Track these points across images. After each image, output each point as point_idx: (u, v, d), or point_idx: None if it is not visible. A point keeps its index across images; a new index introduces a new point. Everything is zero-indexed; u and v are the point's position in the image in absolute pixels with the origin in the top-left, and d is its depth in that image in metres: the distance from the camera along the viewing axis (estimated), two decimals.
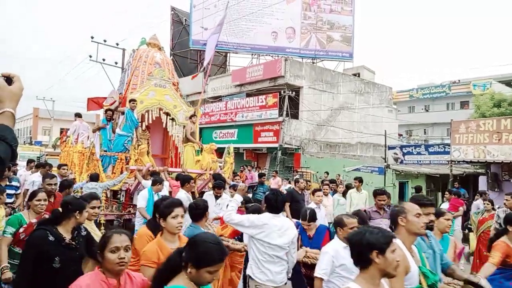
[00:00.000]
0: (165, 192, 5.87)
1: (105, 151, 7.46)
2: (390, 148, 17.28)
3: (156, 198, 5.44)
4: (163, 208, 2.60)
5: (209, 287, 1.84)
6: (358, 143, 19.95)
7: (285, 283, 3.28)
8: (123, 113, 7.65)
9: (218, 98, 21.62)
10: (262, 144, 17.90)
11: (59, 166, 6.58)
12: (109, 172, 7.33)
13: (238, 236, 4.03)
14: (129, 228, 6.90)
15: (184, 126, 8.24)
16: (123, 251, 1.95)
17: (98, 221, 5.84)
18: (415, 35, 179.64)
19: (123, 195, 7.39)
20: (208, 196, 5.76)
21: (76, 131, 9.21)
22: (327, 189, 7.46)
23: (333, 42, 23.90)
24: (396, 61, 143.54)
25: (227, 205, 4.32)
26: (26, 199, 5.91)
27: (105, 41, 18.18)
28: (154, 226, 3.00)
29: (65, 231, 2.64)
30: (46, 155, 13.39)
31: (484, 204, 6.93)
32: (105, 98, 9.30)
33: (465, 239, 8.32)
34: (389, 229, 4.98)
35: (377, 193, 5.35)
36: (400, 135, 25.91)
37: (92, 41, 17.61)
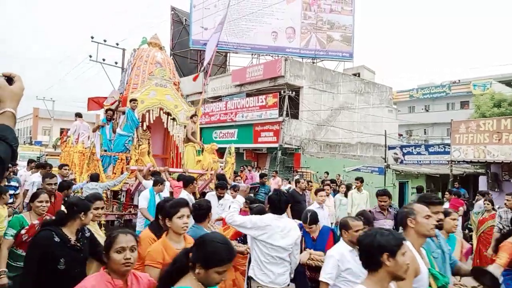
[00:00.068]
0: (165, 192, 5.85)
1: (105, 150, 7.43)
2: (390, 148, 17.28)
3: (157, 198, 5.42)
4: (169, 208, 2.58)
5: None
6: (358, 143, 19.95)
7: (288, 285, 3.23)
8: (123, 112, 7.63)
9: (218, 98, 21.61)
10: (262, 144, 17.89)
11: (60, 166, 6.54)
12: (110, 172, 7.31)
13: (241, 237, 3.99)
14: (129, 228, 6.91)
15: (185, 126, 8.22)
16: (129, 251, 1.92)
17: (98, 222, 5.83)
18: (415, 35, 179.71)
19: (123, 196, 7.38)
20: (211, 196, 5.72)
21: (77, 131, 9.20)
22: (328, 190, 7.45)
23: (333, 42, 23.90)
24: (396, 61, 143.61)
25: (229, 206, 4.31)
26: (26, 200, 5.92)
27: (105, 41, 18.18)
28: (157, 229, 2.97)
29: (69, 232, 2.61)
30: (46, 155, 13.38)
31: (484, 204, 6.93)
32: (106, 98, 9.29)
33: (466, 239, 8.33)
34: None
35: (378, 193, 5.33)
36: (400, 135, 25.91)
37: (92, 41, 17.61)
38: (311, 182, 9.91)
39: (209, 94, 21.43)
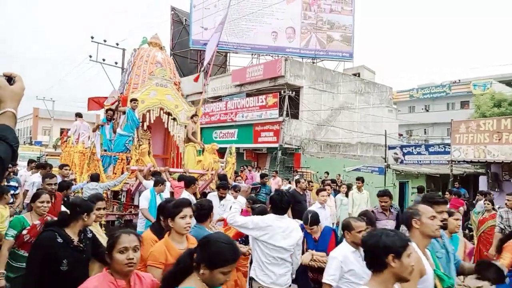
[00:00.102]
0: (166, 193, 5.83)
1: (105, 150, 7.41)
2: (390, 148, 17.28)
3: (158, 199, 5.40)
4: (171, 208, 2.56)
5: None
6: (358, 143, 19.95)
7: (290, 286, 3.22)
8: (124, 112, 7.60)
9: (218, 98, 21.62)
10: (262, 144, 17.89)
11: (61, 167, 6.52)
12: (110, 172, 7.28)
13: (242, 238, 3.96)
14: (129, 228, 6.90)
15: (185, 126, 8.20)
16: (131, 251, 1.90)
17: (99, 222, 5.82)
18: (415, 35, 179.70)
19: (124, 196, 7.36)
20: (212, 197, 5.66)
21: (77, 131, 9.19)
22: (329, 190, 7.43)
23: (333, 42, 23.90)
24: (396, 61, 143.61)
25: (230, 206, 4.28)
26: (26, 201, 5.91)
27: (105, 41, 18.18)
28: (158, 230, 2.94)
29: (72, 233, 2.60)
30: (46, 155, 13.37)
31: (485, 204, 6.93)
32: (106, 97, 9.28)
33: (466, 239, 8.33)
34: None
35: (379, 194, 5.30)
36: (400, 135, 25.92)
37: (92, 41, 17.61)
38: (312, 182, 9.88)
39: (209, 94, 21.44)
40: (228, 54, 24.94)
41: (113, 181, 6.75)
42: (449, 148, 13.27)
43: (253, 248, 3.22)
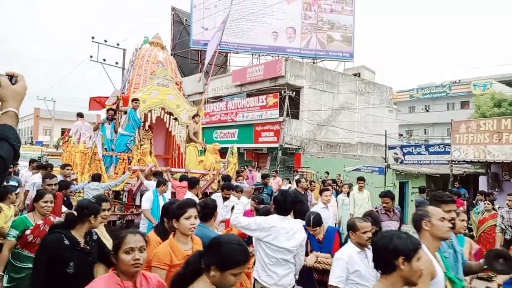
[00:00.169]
0: (167, 193, 5.81)
1: (105, 150, 7.40)
2: (391, 148, 17.30)
3: (161, 199, 5.39)
4: (176, 209, 2.53)
5: None
6: (358, 143, 19.96)
7: (293, 286, 3.17)
8: (125, 112, 7.59)
9: (218, 98, 21.64)
10: (263, 144, 17.91)
11: (63, 166, 6.50)
12: (111, 172, 7.28)
13: (244, 239, 3.94)
14: (131, 228, 6.91)
15: (187, 126, 8.20)
16: (138, 252, 1.87)
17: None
18: (415, 35, 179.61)
19: (125, 196, 7.35)
20: (216, 197, 5.56)
21: (78, 131, 9.17)
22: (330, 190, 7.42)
23: (333, 42, 23.91)
24: (396, 61, 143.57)
25: (232, 207, 4.26)
26: (27, 201, 5.90)
27: (105, 41, 18.19)
28: (162, 232, 2.90)
29: (78, 235, 2.57)
30: (47, 155, 13.38)
31: (485, 204, 6.95)
32: (107, 97, 9.29)
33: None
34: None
35: (380, 195, 5.27)
36: (400, 135, 25.93)
37: (93, 41, 17.63)
38: (314, 182, 9.88)
39: (210, 94, 21.46)
40: (229, 54, 24.95)
41: (114, 181, 6.74)
42: (449, 148, 13.29)
43: (256, 249, 3.19)
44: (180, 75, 14.59)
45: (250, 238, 3.65)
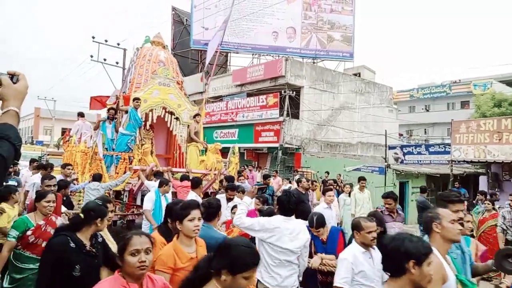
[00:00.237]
0: (168, 193, 5.81)
1: (106, 149, 7.39)
2: (391, 148, 17.30)
3: (163, 200, 5.36)
4: (180, 211, 2.48)
5: None
6: (358, 143, 19.97)
7: (297, 287, 3.13)
8: (126, 112, 7.55)
9: (218, 98, 21.65)
10: (263, 144, 17.92)
11: (64, 166, 6.49)
12: (112, 172, 7.24)
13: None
14: (132, 229, 6.90)
15: (188, 126, 8.17)
16: (143, 253, 1.84)
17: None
18: (415, 35, 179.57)
19: (126, 196, 7.32)
20: (220, 198, 5.43)
21: (79, 131, 9.16)
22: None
23: (333, 42, 23.92)
24: (397, 60, 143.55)
25: (233, 206, 4.24)
26: (26, 201, 5.88)
27: (106, 41, 18.19)
28: (166, 232, 2.85)
29: (84, 238, 2.53)
30: (48, 154, 13.40)
31: (485, 204, 6.95)
32: (108, 96, 9.28)
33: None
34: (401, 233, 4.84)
35: (383, 196, 5.21)
36: (400, 135, 25.93)
37: (93, 41, 17.64)
38: (316, 181, 9.87)
39: (210, 94, 21.46)
40: (229, 54, 24.95)
41: (114, 181, 6.68)
42: (449, 148, 13.30)
43: (259, 250, 3.13)
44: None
45: (252, 239, 3.63)
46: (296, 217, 3.27)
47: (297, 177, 12.21)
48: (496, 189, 12.38)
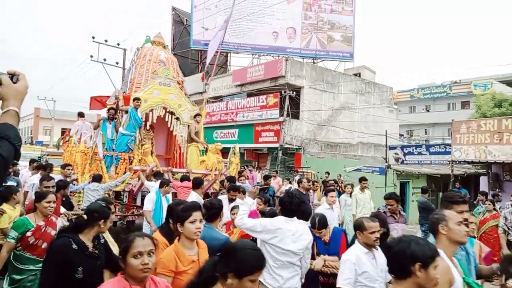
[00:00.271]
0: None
1: (106, 149, 7.35)
2: (391, 148, 17.30)
3: (164, 200, 5.34)
4: (180, 212, 2.44)
5: None
6: (359, 143, 19.96)
7: None
8: (126, 112, 7.53)
9: (218, 98, 21.63)
10: (263, 144, 17.90)
11: (64, 166, 6.47)
12: (112, 172, 7.22)
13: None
14: (132, 230, 6.87)
15: (188, 126, 8.14)
16: (146, 256, 1.82)
17: None
18: (416, 35, 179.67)
19: (126, 196, 7.29)
20: (222, 199, 5.34)
21: (79, 131, 9.14)
22: None
23: (333, 42, 23.90)
24: (397, 61, 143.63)
25: (233, 206, 4.21)
26: (26, 201, 5.85)
27: (106, 41, 18.19)
28: (168, 233, 2.81)
29: (86, 239, 2.51)
30: (47, 155, 13.39)
31: (485, 204, 6.94)
32: (109, 97, 9.24)
33: None
34: (404, 234, 4.84)
35: (385, 197, 5.17)
36: (401, 135, 25.91)
37: (93, 41, 17.63)
38: (317, 182, 9.84)
39: (210, 94, 21.44)
40: (229, 54, 24.94)
41: (114, 182, 6.66)
42: (450, 148, 13.30)
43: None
44: None
45: (253, 240, 3.59)
46: (298, 218, 3.24)
47: (297, 177, 12.20)
48: (497, 190, 12.37)
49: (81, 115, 9.63)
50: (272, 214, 3.47)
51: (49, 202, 3.37)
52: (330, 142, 18.66)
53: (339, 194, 8.58)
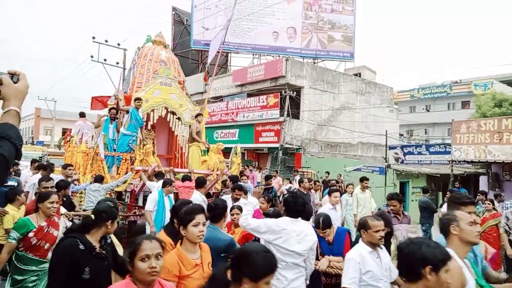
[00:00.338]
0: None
1: (107, 149, 7.33)
2: (391, 148, 17.31)
3: (166, 200, 5.33)
4: (183, 215, 2.39)
5: None
6: (359, 143, 19.97)
7: None
8: (127, 112, 7.50)
9: (219, 98, 21.64)
10: (263, 144, 17.92)
11: (65, 166, 6.45)
12: (114, 172, 7.20)
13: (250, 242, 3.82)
14: (133, 230, 6.88)
15: (190, 126, 8.14)
16: (154, 259, 1.80)
17: None
18: (416, 35, 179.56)
19: (128, 196, 7.25)
20: (226, 199, 5.28)
21: (80, 131, 9.13)
22: None
23: (334, 42, 23.90)
24: (397, 61, 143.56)
25: (231, 208, 4.19)
26: (26, 201, 5.84)
27: (106, 41, 18.20)
28: (173, 232, 2.76)
29: (94, 239, 2.48)
30: (48, 155, 13.41)
31: (485, 204, 6.95)
32: (109, 97, 9.26)
33: None
34: (410, 234, 4.80)
35: (388, 197, 5.14)
36: (401, 135, 25.92)
37: (93, 41, 17.64)
38: (318, 182, 9.84)
39: (210, 94, 21.45)
40: (229, 54, 24.94)
41: (115, 182, 6.64)
42: (450, 148, 13.31)
43: None
44: None
45: (257, 240, 3.55)
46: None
47: (297, 177, 12.22)
48: (497, 189, 12.38)
49: (82, 115, 9.61)
50: (276, 215, 3.44)
51: (52, 202, 3.35)
52: (330, 142, 18.68)
53: (341, 194, 8.60)
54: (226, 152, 9.03)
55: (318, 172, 15.19)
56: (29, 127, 44.60)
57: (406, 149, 17.25)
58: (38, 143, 29.70)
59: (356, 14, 24.36)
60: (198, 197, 5.31)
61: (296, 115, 17.86)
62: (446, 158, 14.26)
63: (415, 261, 1.63)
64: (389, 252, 3.09)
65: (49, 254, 3.25)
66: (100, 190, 6.19)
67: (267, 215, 3.63)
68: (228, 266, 1.66)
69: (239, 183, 5.97)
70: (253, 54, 23.88)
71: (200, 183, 5.45)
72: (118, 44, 18.82)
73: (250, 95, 19.31)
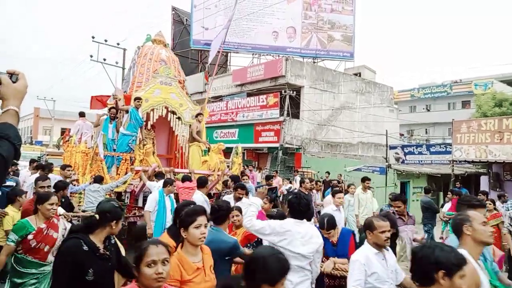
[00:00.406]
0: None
1: (106, 149, 7.29)
2: (392, 148, 17.27)
3: (167, 200, 5.28)
4: (184, 217, 2.33)
5: None
6: (359, 143, 19.94)
7: None
8: (127, 111, 7.45)
9: (219, 98, 21.61)
10: (263, 144, 17.88)
11: (63, 167, 6.40)
12: (113, 173, 7.15)
13: (252, 243, 3.71)
14: (132, 232, 6.84)
15: (190, 125, 8.09)
16: (160, 264, 1.76)
17: None
18: (416, 34, 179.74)
19: (127, 197, 7.18)
20: (228, 199, 5.31)
21: (80, 131, 9.06)
22: None
23: (334, 41, 23.88)
24: (397, 60, 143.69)
25: (233, 207, 4.14)
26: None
27: (106, 41, 18.16)
28: (176, 234, 2.68)
29: (97, 240, 2.43)
30: (47, 155, 13.35)
31: (486, 203, 6.91)
32: (109, 96, 9.19)
33: None
34: (414, 236, 4.74)
35: (392, 199, 5.09)
36: (401, 134, 25.89)
37: (93, 41, 17.61)
38: (320, 182, 9.79)
39: (210, 93, 21.44)
40: (229, 54, 24.91)
41: (115, 182, 6.59)
42: (450, 148, 13.28)
43: None
44: None
45: (260, 241, 3.47)
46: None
47: (297, 177, 12.19)
48: (498, 189, 12.35)
49: (82, 114, 9.54)
50: (280, 216, 3.39)
51: (52, 204, 3.28)
52: (330, 142, 18.64)
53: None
54: (226, 152, 8.98)
55: (318, 172, 15.15)
56: (28, 127, 44.51)
57: (407, 149, 17.21)
58: (37, 143, 29.66)
59: (356, 14, 24.34)
60: (200, 197, 5.25)
61: (296, 115, 17.83)
62: (447, 158, 14.22)
63: (429, 265, 1.60)
64: (395, 254, 3.04)
65: (49, 257, 3.22)
66: (99, 190, 6.15)
67: (271, 216, 3.57)
68: (243, 275, 1.64)
69: (240, 182, 5.91)
70: (253, 54, 23.85)
71: (202, 183, 5.41)
72: (118, 44, 18.80)
73: (250, 94, 19.27)
